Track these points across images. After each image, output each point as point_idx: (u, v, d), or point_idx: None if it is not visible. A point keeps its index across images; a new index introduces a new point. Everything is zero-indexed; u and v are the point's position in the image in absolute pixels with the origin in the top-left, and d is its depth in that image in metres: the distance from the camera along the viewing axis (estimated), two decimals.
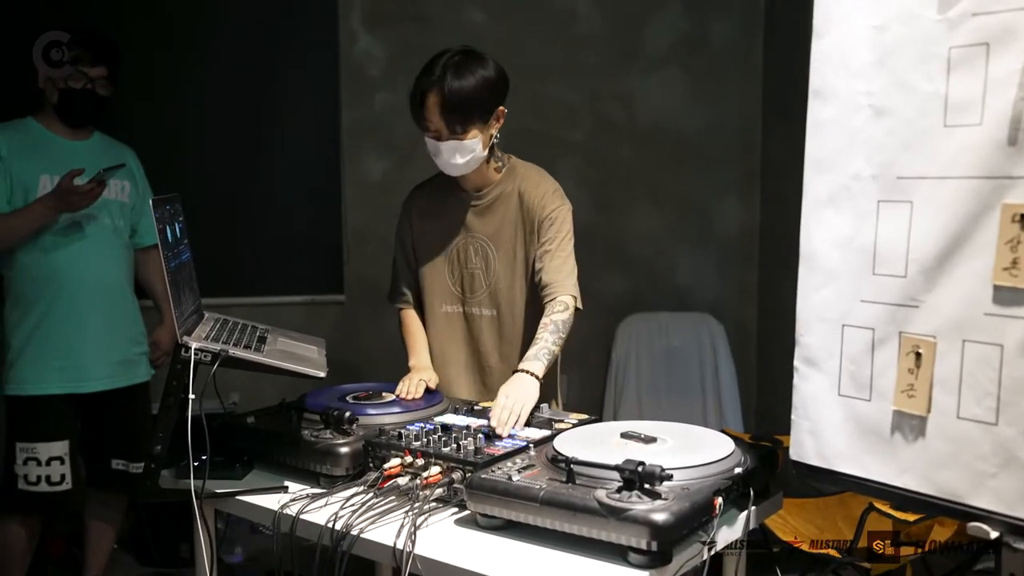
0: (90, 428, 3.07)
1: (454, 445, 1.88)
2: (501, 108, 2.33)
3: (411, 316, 2.56)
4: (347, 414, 1.98)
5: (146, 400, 3.18)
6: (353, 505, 1.76)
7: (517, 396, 2.10)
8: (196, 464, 1.83)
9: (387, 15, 4.34)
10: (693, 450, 1.75)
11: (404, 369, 2.44)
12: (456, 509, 1.79)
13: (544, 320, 2.30)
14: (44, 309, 2.93)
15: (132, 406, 3.13)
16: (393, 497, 1.80)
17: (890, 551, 2.67)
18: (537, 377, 2.19)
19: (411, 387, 2.27)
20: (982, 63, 1.53)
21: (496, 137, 2.37)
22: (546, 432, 2.00)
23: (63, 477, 2.96)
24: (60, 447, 2.96)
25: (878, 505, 2.60)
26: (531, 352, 2.24)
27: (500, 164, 2.44)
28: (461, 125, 2.25)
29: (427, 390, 2.30)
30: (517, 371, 2.21)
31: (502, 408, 2.05)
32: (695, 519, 1.56)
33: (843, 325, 1.77)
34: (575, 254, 2.40)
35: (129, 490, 3.17)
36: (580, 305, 2.37)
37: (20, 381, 2.94)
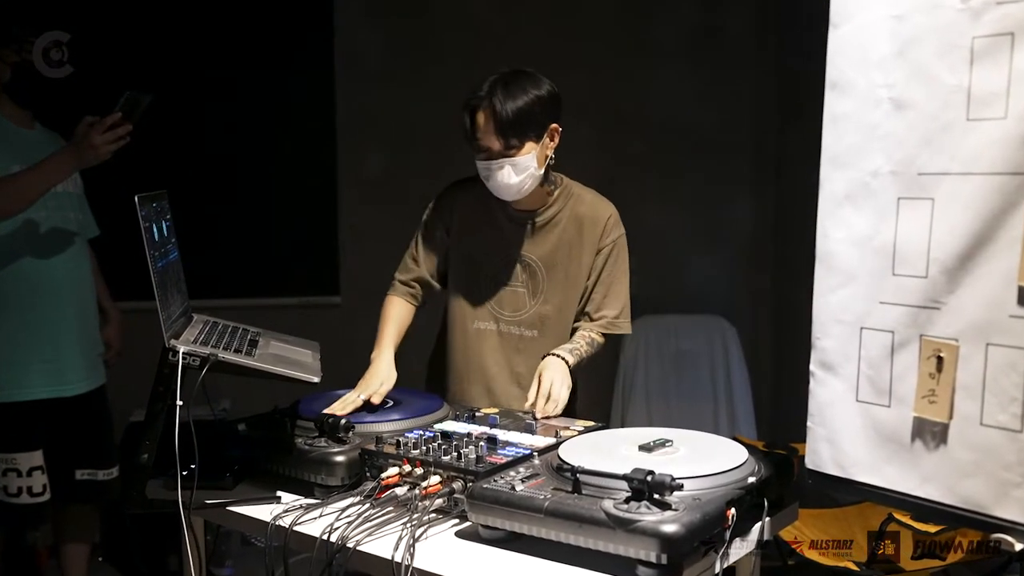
0: (57, 436, 2.93)
1: (455, 453, 1.85)
2: (555, 126, 2.28)
3: (399, 303, 2.46)
4: (343, 421, 1.96)
5: (107, 403, 3.10)
6: (349, 516, 1.73)
7: (553, 378, 2.19)
8: (184, 473, 1.81)
9: (386, 5, 4.29)
10: (704, 458, 1.72)
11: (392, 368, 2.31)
12: (457, 520, 1.76)
13: (583, 331, 2.38)
14: (24, 310, 2.81)
15: (99, 410, 3.06)
16: (391, 508, 1.77)
17: (910, 564, 2.64)
18: (568, 363, 2.25)
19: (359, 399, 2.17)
20: (1007, 54, 1.51)
21: (551, 158, 2.31)
22: (551, 440, 1.97)
23: (45, 487, 2.88)
24: (40, 456, 2.87)
25: (898, 516, 2.61)
26: (564, 346, 2.32)
27: (553, 186, 2.39)
28: (517, 138, 2.20)
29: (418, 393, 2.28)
30: (548, 355, 2.27)
31: (539, 394, 2.16)
32: (707, 530, 1.53)
33: (861, 328, 1.75)
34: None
35: (100, 500, 3.09)
36: (629, 330, 2.45)
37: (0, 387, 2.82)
